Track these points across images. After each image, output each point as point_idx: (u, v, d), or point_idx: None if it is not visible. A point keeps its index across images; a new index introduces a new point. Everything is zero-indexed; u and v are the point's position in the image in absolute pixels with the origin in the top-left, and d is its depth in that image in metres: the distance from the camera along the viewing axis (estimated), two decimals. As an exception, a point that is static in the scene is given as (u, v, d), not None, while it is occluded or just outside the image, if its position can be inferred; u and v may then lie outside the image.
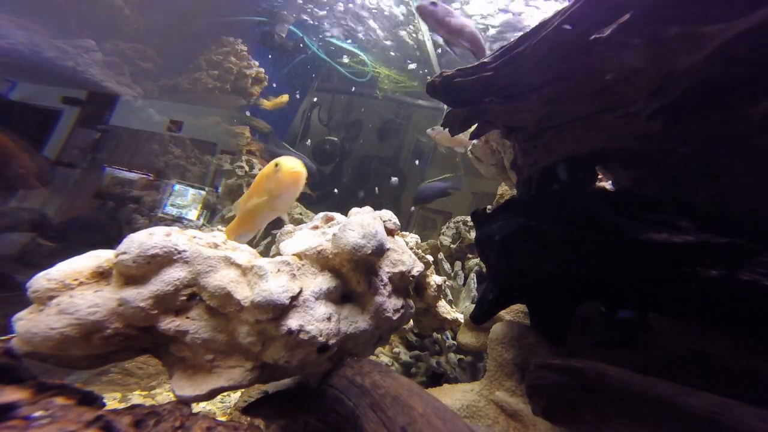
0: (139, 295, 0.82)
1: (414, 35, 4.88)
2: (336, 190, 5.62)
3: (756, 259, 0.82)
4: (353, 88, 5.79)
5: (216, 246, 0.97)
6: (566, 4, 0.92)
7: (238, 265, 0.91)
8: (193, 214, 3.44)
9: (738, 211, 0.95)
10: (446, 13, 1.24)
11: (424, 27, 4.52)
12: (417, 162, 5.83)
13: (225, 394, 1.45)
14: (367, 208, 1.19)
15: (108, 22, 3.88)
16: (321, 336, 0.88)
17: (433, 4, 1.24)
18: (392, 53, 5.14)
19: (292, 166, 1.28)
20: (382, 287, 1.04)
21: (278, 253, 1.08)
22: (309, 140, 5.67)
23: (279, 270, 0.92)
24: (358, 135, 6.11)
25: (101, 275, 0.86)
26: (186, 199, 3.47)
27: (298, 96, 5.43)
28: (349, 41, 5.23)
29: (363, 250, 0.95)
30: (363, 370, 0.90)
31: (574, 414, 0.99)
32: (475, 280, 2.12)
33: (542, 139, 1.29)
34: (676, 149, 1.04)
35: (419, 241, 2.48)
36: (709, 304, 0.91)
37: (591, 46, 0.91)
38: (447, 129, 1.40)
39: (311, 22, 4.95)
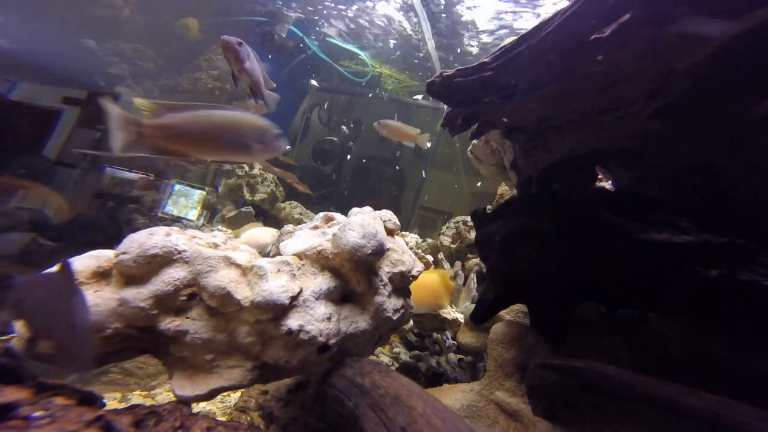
0: (139, 295, 0.82)
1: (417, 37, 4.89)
2: (336, 190, 5.62)
3: (756, 259, 0.82)
4: (356, 88, 5.78)
5: (216, 246, 0.97)
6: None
7: (238, 265, 0.91)
8: (193, 214, 3.44)
9: (738, 211, 0.95)
10: (246, 54, 1.40)
11: (425, 27, 4.52)
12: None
13: (225, 394, 1.45)
14: (368, 208, 1.19)
15: (108, 22, 3.88)
16: (321, 336, 0.88)
17: (240, 43, 1.38)
18: (393, 45, 5.12)
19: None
20: (382, 287, 1.04)
21: (278, 253, 1.08)
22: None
23: (279, 270, 0.92)
24: (358, 134, 6.10)
25: (101, 275, 0.86)
26: (186, 199, 3.47)
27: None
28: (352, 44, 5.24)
29: (363, 250, 0.95)
30: (363, 370, 0.90)
31: (574, 414, 0.99)
32: (475, 280, 2.12)
33: (542, 139, 1.29)
34: (676, 149, 1.04)
35: (419, 241, 2.49)
36: (709, 304, 0.91)
37: (591, 46, 0.91)
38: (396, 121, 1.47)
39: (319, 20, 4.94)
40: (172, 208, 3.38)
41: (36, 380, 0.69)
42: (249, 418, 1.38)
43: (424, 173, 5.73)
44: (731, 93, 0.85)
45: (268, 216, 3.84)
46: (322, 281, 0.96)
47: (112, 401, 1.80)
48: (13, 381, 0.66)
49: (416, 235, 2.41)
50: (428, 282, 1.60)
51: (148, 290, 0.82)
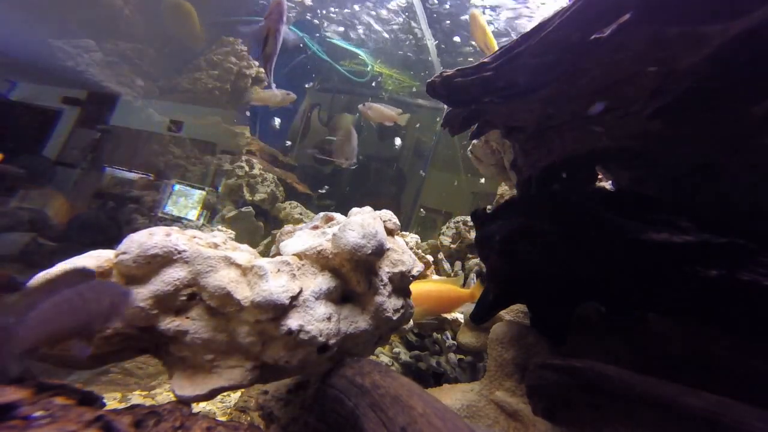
0: (139, 295, 0.82)
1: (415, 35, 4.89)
2: (336, 190, 5.62)
3: (756, 259, 0.82)
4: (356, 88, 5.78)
5: (216, 246, 0.98)
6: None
7: (238, 265, 0.91)
8: (193, 214, 3.44)
9: (738, 211, 0.95)
10: (279, 23, 1.45)
11: (424, 25, 4.52)
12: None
13: (225, 394, 1.45)
14: (367, 208, 1.19)
15: (108, 22, 3.88)
16: (321, 336, 0.88)
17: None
18: (392, 40, 5.13)
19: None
20: (382, 287, 1.04)
21: (278, 253, 1.08)
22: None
23: (279, 270, 0.92)
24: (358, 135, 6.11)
25: (101, 275, 0.86)
26: (186, 199, 3.47)
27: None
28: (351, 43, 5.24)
29: (363, 250, 0.95)
30: (363, 370, 0.90)
31: (574, 414, 0.99)
32: (475, 280, 2.12)
33: (542, 139, 1.29)
34: (676, 149, 1.04)
35: (419, 241, 2.49)
36: (709, 304, 0.91)
37: (591, 46, 0.91)
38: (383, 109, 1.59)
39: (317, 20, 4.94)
40: (172, 208, 3.38)
41: (36, 380, 0.69)
42: (249, 418, 1.38)
43: (423, 173, 5.74)
44: (731, 93, 0.85)
45: (268, 216, 3.84)
46: (322, 281, 0.96)
47: (112, 401, 1.80)
48: (13, 381, 0.66)
49: (416, 235, 2.41)
50: (443, 291, 1.75)
51: (148, 290, 0.82)
